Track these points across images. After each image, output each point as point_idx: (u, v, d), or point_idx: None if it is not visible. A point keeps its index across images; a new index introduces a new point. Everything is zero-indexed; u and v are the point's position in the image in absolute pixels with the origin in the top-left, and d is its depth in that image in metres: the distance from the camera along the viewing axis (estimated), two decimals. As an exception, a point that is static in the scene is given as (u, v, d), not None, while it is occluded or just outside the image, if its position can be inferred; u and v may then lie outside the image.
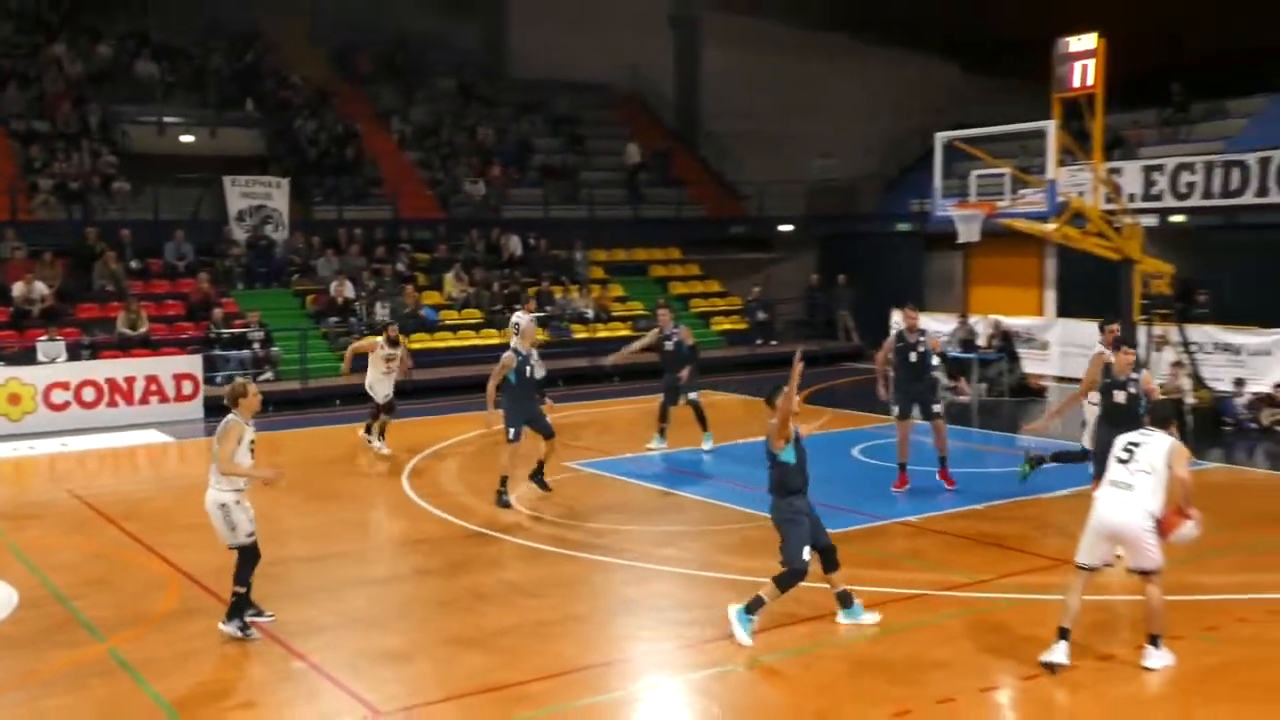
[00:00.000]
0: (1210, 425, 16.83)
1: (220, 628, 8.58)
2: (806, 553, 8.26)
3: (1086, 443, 11.40)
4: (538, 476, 13.00)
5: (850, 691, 7.41)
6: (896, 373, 13.23)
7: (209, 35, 28.80)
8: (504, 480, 12.63)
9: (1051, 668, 7.58)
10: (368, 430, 16.03)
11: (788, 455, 8.45)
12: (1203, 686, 7.41)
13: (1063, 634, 7.68)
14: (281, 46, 29.74)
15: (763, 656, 8.03)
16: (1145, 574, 7.66)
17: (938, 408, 13.04)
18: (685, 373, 15.37)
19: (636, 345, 16.09)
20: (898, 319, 14.96)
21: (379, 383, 15.91)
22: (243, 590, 8.62)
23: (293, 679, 7.89)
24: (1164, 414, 8.26)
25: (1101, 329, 11.99)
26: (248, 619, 8.59)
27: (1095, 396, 10.97)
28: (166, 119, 26.02)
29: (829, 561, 8.56)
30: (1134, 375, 10.76)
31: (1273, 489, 13.77)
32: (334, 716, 7.26)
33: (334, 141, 26.81)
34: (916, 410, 13.03)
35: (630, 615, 9.29)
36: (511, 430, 12.66)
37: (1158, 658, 7.63)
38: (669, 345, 15.47)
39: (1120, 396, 10.64)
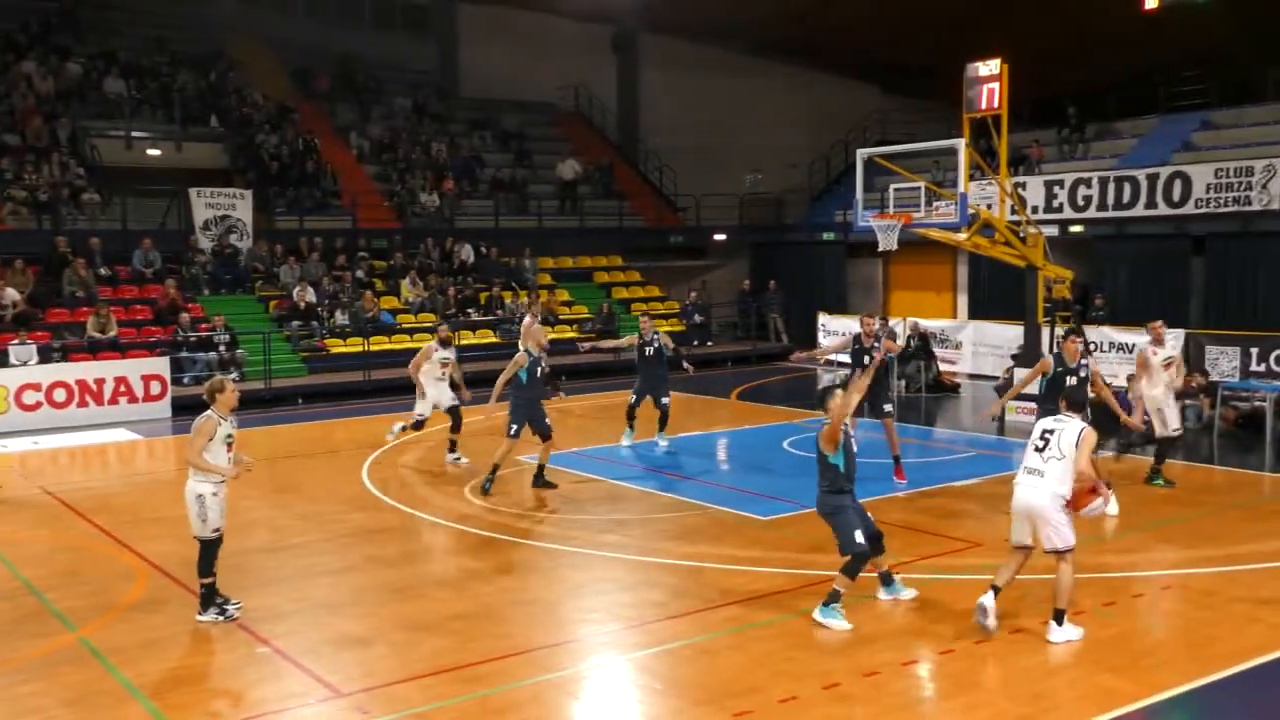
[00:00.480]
0: (1108, 418, 17.08)
1: (197, 619, 8.44)
2: (860, 535, 8.24)
3: (1173, 425, 11.70)
4: (540, 479, 12.84)
5: (781, 667, 7.43)
6: (852, 374, 13.22)
7: (175, 55, 28.30)
8: (495, 469, 12.58)
9: (984, 610, 7.82)
10: (451, 449, 14.33)
11: (837, 459, 8.40)
12: (1101, 656, 7.53)
13: (994, 588, 7.96)
14: (244, 65, 29.28)
15: (697, 637, 8.04)
16: (1057, 554, 7.77)
17: (888, 407, 13.01)
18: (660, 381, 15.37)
19: (623, 341, 16.59)
20: (855, 325, 14.85)
21: (434, 388, 14.30)
22: (209, 580, 8.47)
23: (258, 663, 7.75)
24: (1079, 399, 8.45)
25: (1147, 329, 12.75)
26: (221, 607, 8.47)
27: (1151, 384, 11.00)
28: (134, 133, 25.53)
29: (876, 547, 8.53)
30: (1083, 362, 11.13)
31: (1164, 475, 14.04)
32: (298, 697, 7.14)
33: (295, 155, 26.44)
34: (866, 408, 13.05)
35: (577, 599, 9.25)
36: (514, 427, 12.57)
37: (1060, 633, 7.74)
38: (649, 350, 15.41)
39: (1072, 381, 10.99)
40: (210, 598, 8.46)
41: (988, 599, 7.91)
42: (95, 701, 7.10)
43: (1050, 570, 7.93)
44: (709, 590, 9.10)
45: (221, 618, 8.41)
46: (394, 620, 8.52)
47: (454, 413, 14.34)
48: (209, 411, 8.40)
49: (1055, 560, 7.81)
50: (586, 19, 31.18)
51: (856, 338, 13.27)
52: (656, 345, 15.45)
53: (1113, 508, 11.66)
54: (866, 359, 12.90)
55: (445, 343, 14.45)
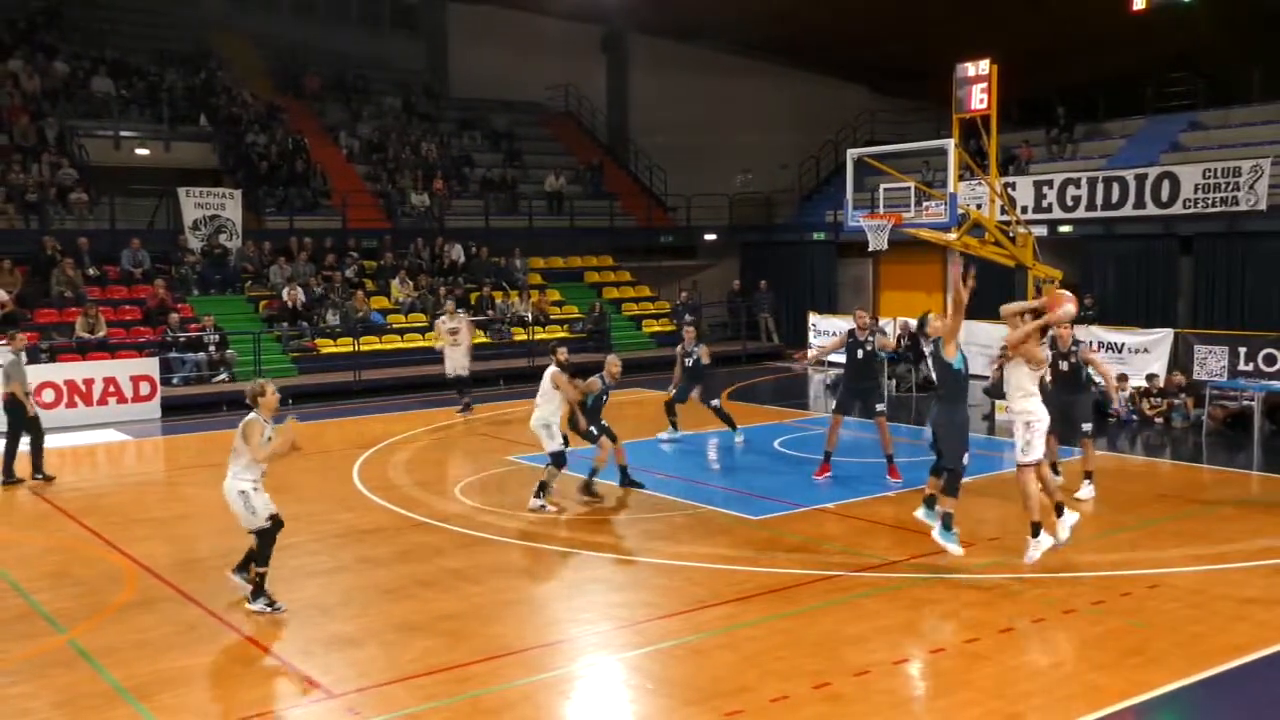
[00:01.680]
0: (1097, 417, 17.18)
1: (248, 607, 8.62)
2: (966, 457, 8.89)
3: None
4: (625, 479, 12.72)
5: (772, 666, 7.45)
6: (845, 369, 13.33)
7: (163, 54, 28.23)
8: (593, 472, 12.34)
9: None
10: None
11: (958, 362, 9.17)
12: (1089, 655, 7.57)
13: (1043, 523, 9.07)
14: (233, 64, 29.23)
15: (688, 636, 8.05)
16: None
17: (880, 406, 13.03)
18: (697, 390, 15.70)
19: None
20: (846, 324, 14.99)
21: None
22: (265, 570, 8.68)
23: (249, 664, 7.74)
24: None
25: None
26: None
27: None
28: (122, 133, 25.45)
29: (951, 486, 9.17)
30: (1073, 347, 12.02)
31: (1152, 474, 14.13)
32: (289, 699, 7.13)
33: (284, 155, 26.39)
34: (857, 407, 13.09)
35: (568, 599, 9.25)
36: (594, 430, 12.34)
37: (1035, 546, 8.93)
38: (689, 362, 15.69)
39: (1065, 365, 12.01)
40: (263, 587, 8.66)
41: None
42: (85, 703, 7.08)
43: (1047, 570, 7.96)
44: (700, 590, 9.11)
45: (270, 609, 8.58)
46: (385, 621, 8.51)
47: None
48: (253, 415, 8.64)
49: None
50: (576, 19, 31.18)
51: (850, 332, 13.31)
52: (695, 357, 15.62)
53: (1085, 491, 11.98)
54: (860, 352, 12.93)
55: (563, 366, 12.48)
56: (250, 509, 8.62)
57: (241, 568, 9.02)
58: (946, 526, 9.10)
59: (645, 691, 7.24)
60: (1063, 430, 11.90)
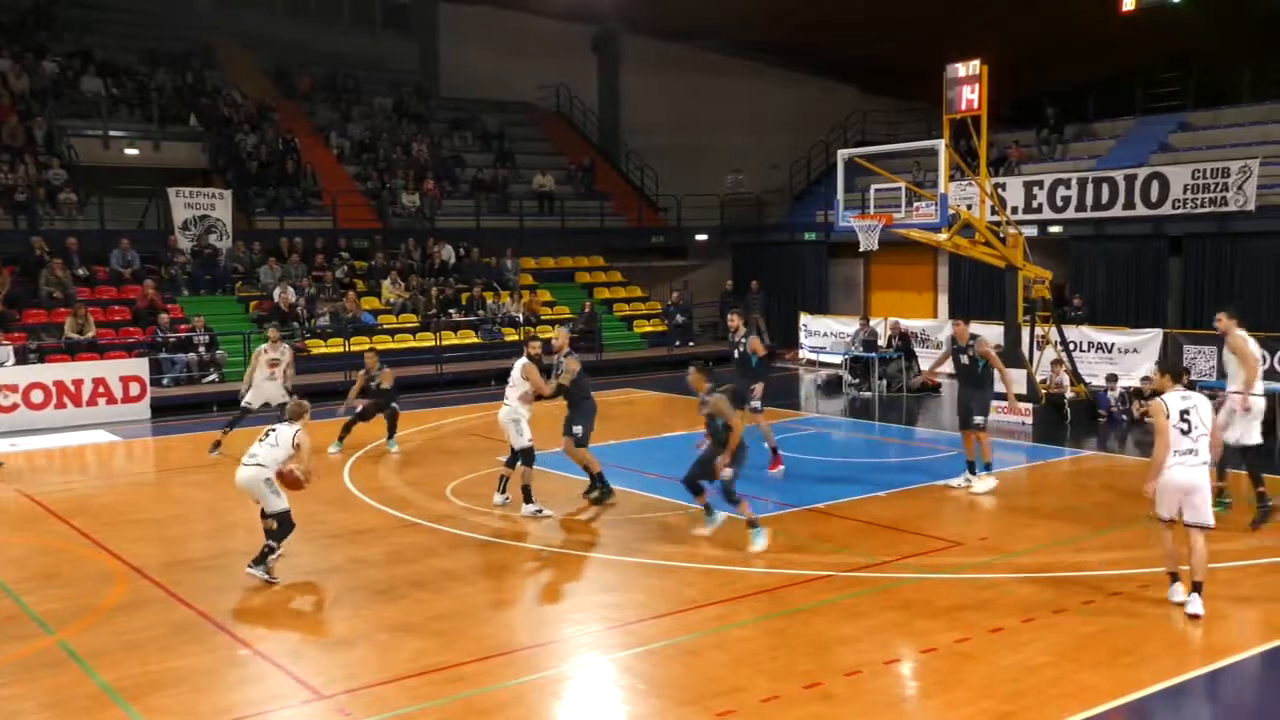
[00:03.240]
0: (1086, 417, 17.27)
1: (249, 570, 9.43)
2: None
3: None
4: (591, 491, 12.40)
5: (764, 666, 7.45)
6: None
7: (152, 54, 28.14)
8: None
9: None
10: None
11: None
12: (1081, 654, 7.59)
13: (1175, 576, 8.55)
14: (223, 64, 29.15)
15: (680, 637, 8.05)
16: (1203, 527, 8.30)
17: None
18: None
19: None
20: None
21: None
22: (276, 545, 9.55)
23: (239, 665, 7.72)
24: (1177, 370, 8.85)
25: None
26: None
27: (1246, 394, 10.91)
28: (112, 133, 25.35)
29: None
30: (970, 342, 12.62)
31: (1142, 474, 14.12)
32: (280, 699, 7.12)
33: (274, 155, 26.33)
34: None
35: (559, 599, 9.25)
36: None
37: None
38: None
39: (964, 359, 12.67)
40: (264, 558, 9.52)
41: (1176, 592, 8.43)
42: (74, 705, 7.05)
43: (1014, 570, 7.96)
44: (691, 590, 9.12)
45: (268, 579, 9.43)
46: (376, 621, 8.50)
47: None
48: (300, 429, 9.70)
49: (1197, 534, 8.28)
50: (567, 19, 31.16)
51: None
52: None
53: (981, 485, 12.34)
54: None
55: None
56: (275, 492, 9.55)
57: (260, 560, 9.50)
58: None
59: (637, 692, 7.24)
60: (962, 420, 12.76)
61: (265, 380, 15.02)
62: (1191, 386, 9.22)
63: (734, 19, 28.82)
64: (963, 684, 7.13)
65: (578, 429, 12.12)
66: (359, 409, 15.39)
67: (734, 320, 14.48)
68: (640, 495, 12.57)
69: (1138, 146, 24.46)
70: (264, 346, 15.40)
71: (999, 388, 13.21)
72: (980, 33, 23.07)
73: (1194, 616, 8.15)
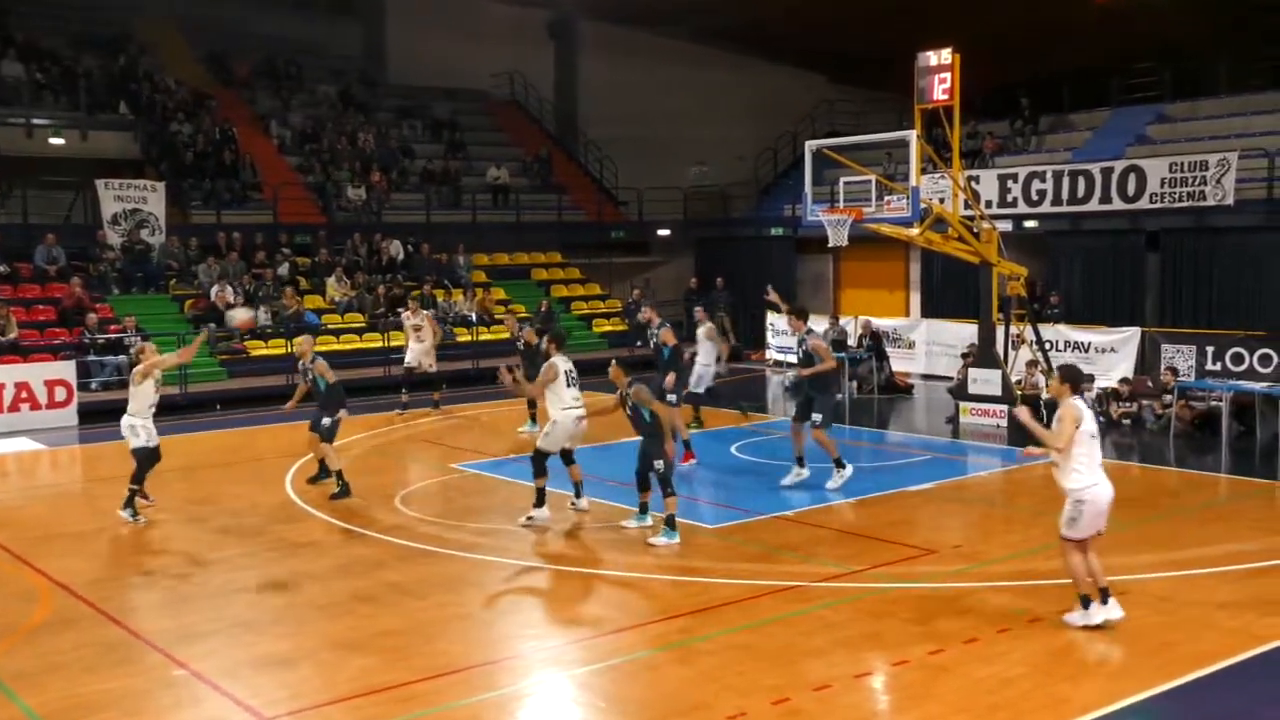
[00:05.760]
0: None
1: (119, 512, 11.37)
2: None
3: None
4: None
5: (730, 682, 7.47)
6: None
7: (79, 37, 27.74)
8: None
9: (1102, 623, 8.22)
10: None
11: None
12: (1057, 665, 7.68)
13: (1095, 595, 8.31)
14: (156, 49, 28.79)
15: (641, 651, 8.05)
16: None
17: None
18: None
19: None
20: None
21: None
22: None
23: (174, 687, 7.62)
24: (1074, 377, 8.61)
25: None
26: None
27: None
28: (35, 121, 24.97)
29: None
30: (805, 336, 13.14)
31: (1120, 478, 14.26)
32: (216, 724, 7.03)
33: (211, 145, 26.06)
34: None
35: (515, 613, 9.22)
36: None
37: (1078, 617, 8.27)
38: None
39: (800, 354, 13.19)
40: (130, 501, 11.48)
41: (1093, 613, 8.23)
42: (-5, 732, 6.94)
43: (990, 578, 8.01)
44: (654, 603, 9.13)
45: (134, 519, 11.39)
46: (320, 639, 8.43)
47: None
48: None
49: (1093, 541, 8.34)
50: (523, 2, 31.10)
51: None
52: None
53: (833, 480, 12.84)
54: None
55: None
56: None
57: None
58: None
59: (597, 710, 7.23)
60: (800, 413, 13.17)
61: (415, 344, 19.05)
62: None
63: (697, 3, 28.88)
64: (936, 697, 7.19)
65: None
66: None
67: (647, 313, 15.75)
68: (600, 504, 12.55)
69: (1114, 138, 24.78)
70: (405, 313, 19.73)
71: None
72: (952, 20, 23.26)
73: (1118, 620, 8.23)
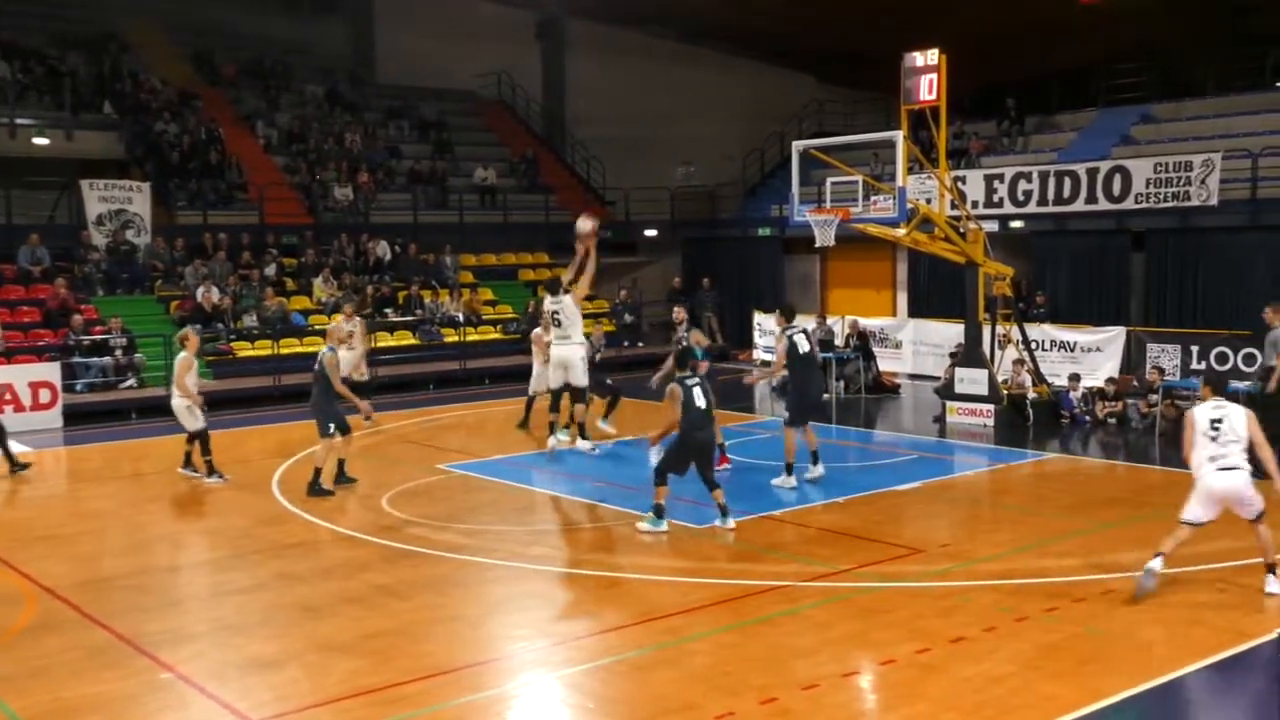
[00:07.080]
0: (1049, 418, 17.54)
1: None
2: None
3: None
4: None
5: (718, 682, 7.47)
6: None
7: (64, 36, 27.60)
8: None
9: (1151, 574, 8.90)
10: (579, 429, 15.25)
11: None
12: (1044, 663, 7.70)
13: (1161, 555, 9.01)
14: (141, 48, 28.67)
15: (629, 652, 8.05)
16: (1262, 517, 8.97)
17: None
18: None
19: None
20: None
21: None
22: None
23: (160, 690, 7.58)
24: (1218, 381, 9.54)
25: None
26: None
27: None
28: (19, 120, 24.81)
29: None
30: (684, 332, 13.79)
31: (1106, 477, 14.42)
32: (203, 727, 7.01)
33: (197, 145, 25.96)
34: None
35: (502, 615, 9.21)
36: None
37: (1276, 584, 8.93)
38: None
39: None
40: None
41: (1157, 564, 8.90)
42: (-20, 736, 6.90)
43: (980, 577, 8.04)
44: (641, 603, 9.12)
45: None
46: (307, 641, 8.40)
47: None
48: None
49: (1257, 524, 8.98)
50: (510, 3, 31.06)
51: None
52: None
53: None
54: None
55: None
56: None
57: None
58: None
59: (585, 711, 7.23)
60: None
61: (345, 351, 16.94)
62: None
63: (685, 3, 28.89)
64: (924, 696, 7.20)
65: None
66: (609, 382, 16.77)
67: (680, 313, 15.88)
68: (587, 505, 12.56)
69: (1100, 139, 24.89)
70: (340, 318, 18.16)
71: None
72: (939, 21, 23.33)
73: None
